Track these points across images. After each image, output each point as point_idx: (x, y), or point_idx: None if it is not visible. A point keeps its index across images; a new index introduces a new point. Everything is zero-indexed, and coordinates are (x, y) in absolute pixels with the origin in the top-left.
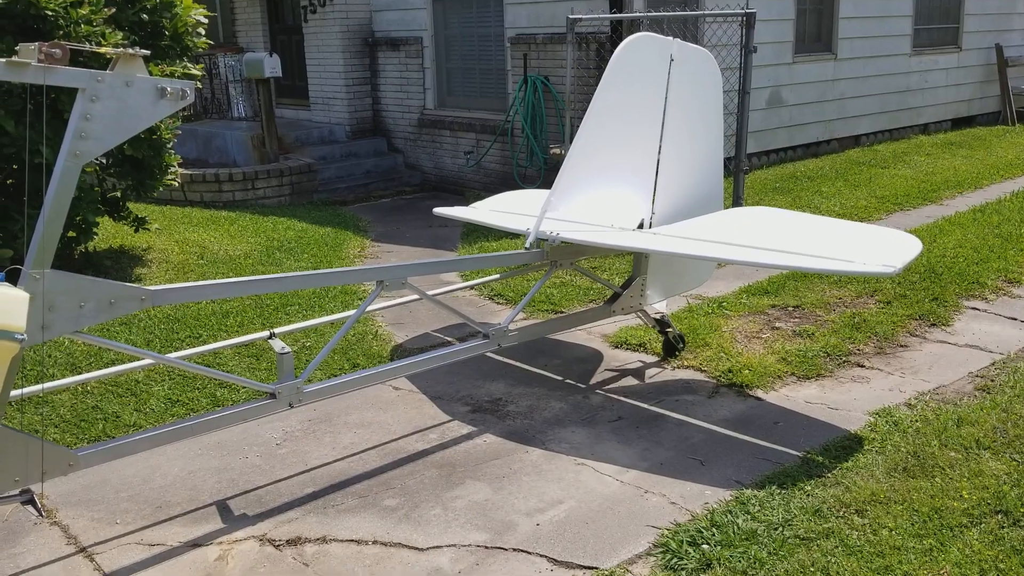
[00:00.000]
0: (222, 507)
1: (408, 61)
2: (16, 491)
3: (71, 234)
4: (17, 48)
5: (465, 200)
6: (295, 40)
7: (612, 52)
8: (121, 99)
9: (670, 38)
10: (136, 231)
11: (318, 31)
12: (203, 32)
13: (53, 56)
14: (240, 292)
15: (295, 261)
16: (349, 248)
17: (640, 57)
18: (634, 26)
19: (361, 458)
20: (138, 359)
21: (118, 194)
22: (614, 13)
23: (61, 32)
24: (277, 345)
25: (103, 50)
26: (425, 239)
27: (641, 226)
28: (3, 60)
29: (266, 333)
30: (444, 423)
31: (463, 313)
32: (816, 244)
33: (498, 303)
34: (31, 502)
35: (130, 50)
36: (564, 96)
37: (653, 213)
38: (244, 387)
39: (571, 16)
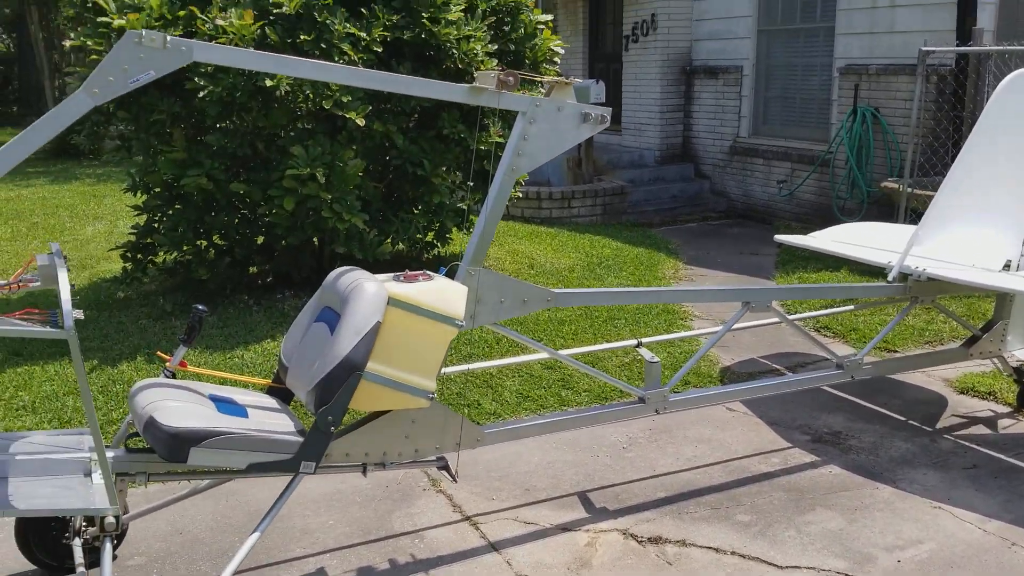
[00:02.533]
0: (583, 498)
1: (725, 89)
2: (433, 456)
3: (429, 237)
4: (475, 75)
5: (774, 229)
6: (613, 68)
7: (954, 86)
8: (552, 122)
9: None
10: None
11: (637, 59)
12: (558, 61)
13: (507, 83)
14: (628, 300)
15: (615, 277)
16: (663, 268)
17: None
18: (982, 60)
19: (706, 471)
20: (534, 351)
21: (464, 206)
22: (967, 45)
23: (451, 60)
24: (646, 354)
25: (545, 79)
26: (737, 265)
27: (1007, 267)
28: (466, 85)
29: (634, 341)
30: (785, 449)
31: (820, 342)
32: None
33: (825, 335)
34: (445, 468)
35: (564, 79)
36: (896, 129)
37: (1022, 255)
38: (586, 390)
39: (923, 48)
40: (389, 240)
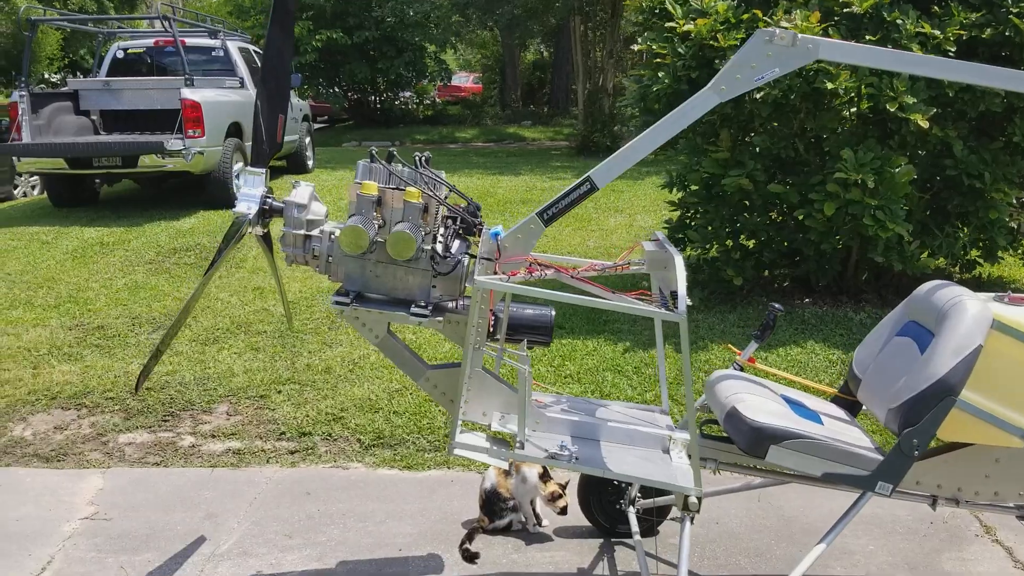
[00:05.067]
0: None
1: None
2: (1012, 503)
3: (973, 255)
4: None
5: None
6: None
7: None
8: None
9: None
10: None
11: None
12: None
13: None
14: None
15: None
16: None
17: None
18: None
19: None
20: None
21: (1015, 223)
22: None
23: None
24: None
25: None
26: None
27: None
28: None
29: None
30: None
31: None
32: None
33: None
34: None
35: None
36: None
37: None
38: None
39: None
40: (927, 253)
